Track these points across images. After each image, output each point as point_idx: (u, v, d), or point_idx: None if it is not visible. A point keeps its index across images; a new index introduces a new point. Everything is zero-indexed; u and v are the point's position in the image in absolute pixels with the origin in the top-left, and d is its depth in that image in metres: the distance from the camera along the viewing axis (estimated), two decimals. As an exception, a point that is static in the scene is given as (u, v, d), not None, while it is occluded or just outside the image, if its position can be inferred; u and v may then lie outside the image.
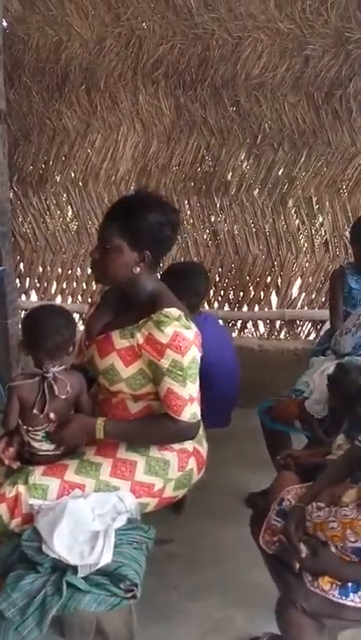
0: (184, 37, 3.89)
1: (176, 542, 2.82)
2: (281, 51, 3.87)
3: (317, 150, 4.03)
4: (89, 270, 4.24)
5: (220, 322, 4.16)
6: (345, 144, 4.00)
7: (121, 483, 2.17)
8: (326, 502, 1.93)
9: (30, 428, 2.19)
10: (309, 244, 4.21)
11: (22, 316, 4.25)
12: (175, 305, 2.18)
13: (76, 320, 4.27)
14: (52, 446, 2.22)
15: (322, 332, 3.95)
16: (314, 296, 4.29)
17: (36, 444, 2.21)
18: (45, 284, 4.45)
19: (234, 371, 3.22)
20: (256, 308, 4.35)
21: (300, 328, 4.38)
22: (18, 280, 4.40)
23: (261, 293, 4.31)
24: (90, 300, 4.07)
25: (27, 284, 4.47)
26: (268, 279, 4.27)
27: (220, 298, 4.34)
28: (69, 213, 4.36)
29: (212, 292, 4.22)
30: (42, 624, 1.84)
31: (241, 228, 4.21)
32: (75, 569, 1.94)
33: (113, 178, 4.22)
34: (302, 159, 4.05)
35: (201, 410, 2.25)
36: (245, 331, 4.41)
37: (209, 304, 4.26)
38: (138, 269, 2.16)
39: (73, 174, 4.26)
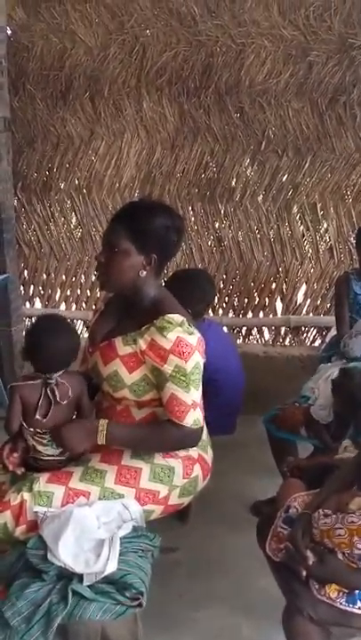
0: (188, 44, 3.91)
1: (182, 550, 2.81)
2: (285, 57, 3.88)
3: (322, 156, 4.03)
4: (93, 277, 4.25)
5: (225, 329, 4.15)
6: (349, 150, 4.00)
7: (126, 490, 2.16)
8: (333, 509, 1.92)
9: (38, 431, 2.18)
10: (314, 251, 4.20)
11: (26, 323, 4.26)
12: (178, 311, 2.17)
13: (81, 327, 4.32)
14: (57, 451, 2.20)
15: (327, 339, 3.94)
16: (319, 302, 4.28)
17: (41, 448, 2.20)
18: (49, 292, 4.44)
19: (238, 377, 3.20)
20: (261, 315, 4.34)
21: (305, 334, 4.36)
22: (22, 287, 4.41)
23: (266, 300, 4.30)
24: (94, 306, 4.07)
25: (31, 292, 4.47)
26: (273, 285, 4.26)
27: (224, 304, 4.33)
28: (73, 220, 4.36)
29: (216, 298, 4.20)
30: (47, 632, 1.83)
31: (245, 235, 4.20)
32: (80, 577, 1.93)
33: (117, 185, 4.22)
34: (306, 165, 4.05)
35: (206, 417, 2.24)
36: (250, 337, 4.40)
37: (214, 311, 4.24)
38: (144, 273, 2.16)
39: (77, 181, 4.27)
